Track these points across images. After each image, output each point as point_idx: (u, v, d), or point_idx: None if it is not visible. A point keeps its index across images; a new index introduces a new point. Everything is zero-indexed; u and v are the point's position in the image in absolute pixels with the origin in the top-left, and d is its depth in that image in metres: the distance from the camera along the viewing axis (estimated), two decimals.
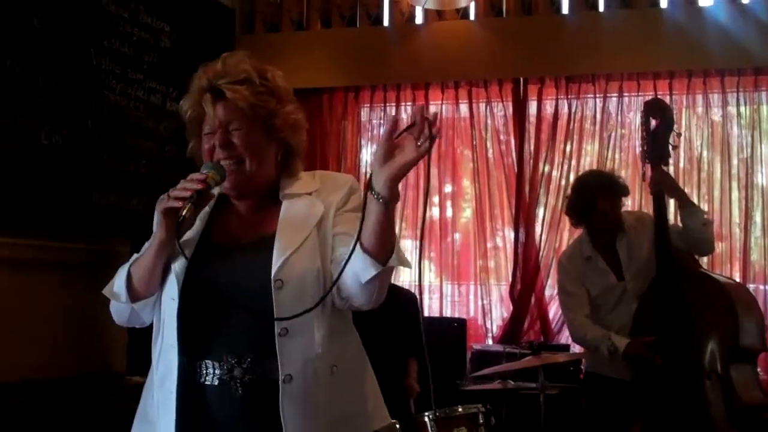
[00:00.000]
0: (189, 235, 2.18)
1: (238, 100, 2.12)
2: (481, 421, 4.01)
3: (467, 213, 6.46)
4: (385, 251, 1.99)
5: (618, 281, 4.31)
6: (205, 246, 2.18)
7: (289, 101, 2.24)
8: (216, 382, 2.08)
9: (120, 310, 2.25)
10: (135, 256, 2.25)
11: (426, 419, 3.95)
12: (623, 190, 4.41)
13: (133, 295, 2.18)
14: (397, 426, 3.88)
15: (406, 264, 2.09)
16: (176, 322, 2.10)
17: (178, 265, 2.13)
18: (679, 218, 4.31)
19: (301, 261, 2.08)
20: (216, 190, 2.18)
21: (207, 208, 2.21)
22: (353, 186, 2.27)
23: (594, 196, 4.34)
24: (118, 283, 2.20)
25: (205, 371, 2.10)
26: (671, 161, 4.54)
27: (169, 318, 2.11)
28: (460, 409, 4.03)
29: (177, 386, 2.09)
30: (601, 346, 4.15)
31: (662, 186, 4.21)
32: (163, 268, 2.16)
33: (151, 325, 2.26)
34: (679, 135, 4.67)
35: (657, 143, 4.28)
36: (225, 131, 2.14)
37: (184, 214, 2.02)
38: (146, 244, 2.21)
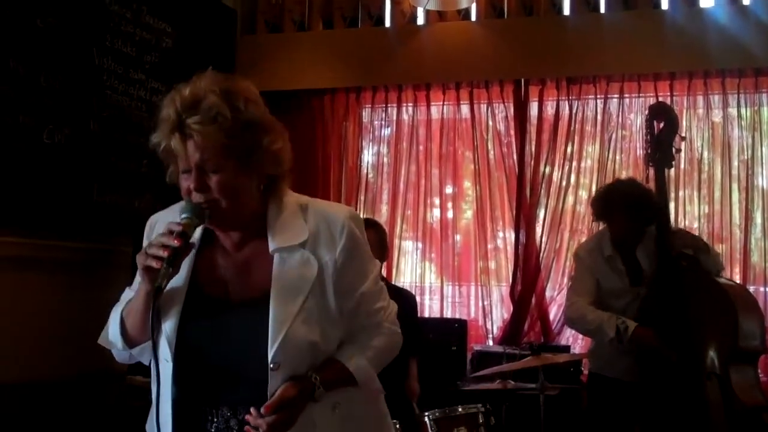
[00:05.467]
0: (177, 281, 2.08)
1: (208, 141, 1.97)
2: (480, 421, 4.04)
3: (468, 214, 6.46)
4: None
5: (631, 286, 4.31)
6: (195, 296, 2.11)
7: (266, 130, 2.06)
8: (213, 430, 2.08)
9: (119, 355, 2.23)
10: (126, 293, 2.22)
11: (426, 419, 3.96)
12: (645, 216, 4.30)
13: (130, 342, 2.15)
14: (397, 426, 3.89)
15: (378, 388, 2.22)
16: (171, 384, 2.07)
17: (168, 326, 2.07)
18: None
19: (297, 337, 2.01)
20: (198, 231, 2.12)
21: (193, 249, 2.10)
22: (350, 232, 2.12)
23: (612, 209, 4.34)
24: (113, 331, 2.16)
25: (203, 420, 2.08)
26: (673, 163, 4.55)
27: (164, 378, 2.06)
28: (460, 409, 4.06)
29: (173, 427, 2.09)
30: (605, 325, 4.11)
31: (681, 249, 4.23)
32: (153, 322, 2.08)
33: None
34: (683, 138, 4.66)
35: (661, 147, 4.29)
36: (200, 172, 2.00)
37: (161, 282, 1.95)
38: (133, 287, 2.17)
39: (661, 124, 4.34)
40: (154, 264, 1.94)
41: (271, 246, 2.09)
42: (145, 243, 2.17)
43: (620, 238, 4.37)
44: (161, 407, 2.08)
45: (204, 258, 2.16)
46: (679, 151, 4.39)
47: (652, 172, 4.34)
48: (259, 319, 2.02)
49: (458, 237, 6.40)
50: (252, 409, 1.97)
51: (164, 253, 1.95)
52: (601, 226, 4.53)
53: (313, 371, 2.04)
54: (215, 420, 2.07)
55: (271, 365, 1.99)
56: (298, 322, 2.02)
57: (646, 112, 4.56)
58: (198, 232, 2.11)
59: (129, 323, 2.12)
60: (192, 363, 2.07)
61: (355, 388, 2.14)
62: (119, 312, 2.16)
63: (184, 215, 2.02)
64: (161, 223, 2.18)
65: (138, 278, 2.10)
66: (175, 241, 1.96)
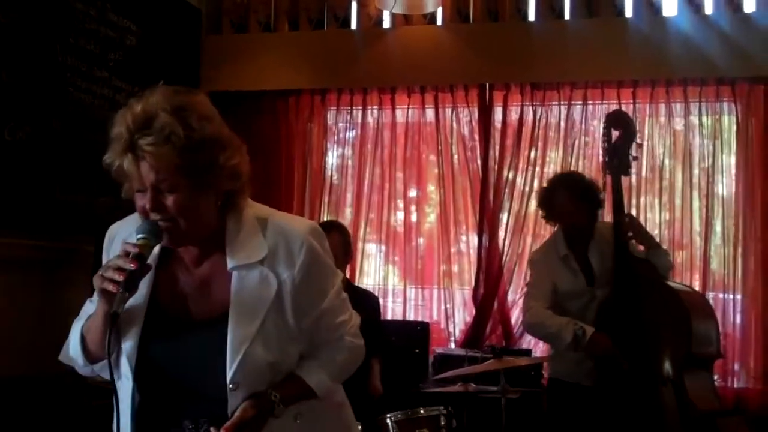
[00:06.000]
0: (137, 300, 2.05)
1: (161, 163, 1.91)
2: (442, 423, 4.04)
3: (431, 218, 6.48)
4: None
5: (587, 286, 4.34)
6: (155, 314, 2.09)
7: (222, 146, 2.01)
8: None
9: (81, 370, 2.20)
10: (87, 306, 2.20)
11: (388, 421, 3.96)
12: (588, 196, 4.41)
13: (91, 358, 2.12)
14: (360, 428, 3.88)
15: (340, 399, 2.27)
16: (130, 401, 2.06)
17: (128, 345, 2.06)
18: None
19: (255, 358, 2.01)
20: (157, 248, 2.08)
21: (152, 265, 2.07)
22: (308, 249, 2.09)
23: (554, 191, 4.42)
24: (74, 347, 2.14)
25: (164, 426, 2.08)
26: (633, 170, 4.59)
27: (124, 395, 2.06)
28: (422, 411, 4.05)
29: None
30: (563, 331, 4.14)
31: (630, 235, 4.27)
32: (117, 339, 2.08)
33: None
34: (640, 146, 4.72)
35: (618, 155, 4.32)
36: (155, 192, 1.95)
37: (117, 309, 1.93)
38: (93, 299, 2.12)
39: (618, 132, 4.37)
40: (111, 288, 1.92)
41: (230, 264, 2.06)
42: (104, 256, 2.18)
43: (572, 230, 4.42)
44: (121, 422, 2.06)
45: (164, 273, 2.13)
46: (636, 158, 4.43)
47: (609, 179, 4.37)
48: (218, 339, 2.01)
49: (421, 240, 6.41)
50: (212, 429, 1.98)
51: (120, 277, 1.92)
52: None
53: (273, 389, 2.04)
54: None
55: (230, 385, 1.99)
56: (256, 343, 2.01)
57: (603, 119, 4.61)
58: (156, 249, 2.08)
59: (89, 340, 2.10)
60: (152, 381, 2.06)
61: (318, 400, 2.15)
62: (79, 328, 2.14)
63: (140, 236, 1.98)
64: (119, 238, 2.16)
65: (90, 304, 2.12)
66: (132, 265, 1.93)
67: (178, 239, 2.03)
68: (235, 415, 1.98)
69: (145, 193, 1.97)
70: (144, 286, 2.05)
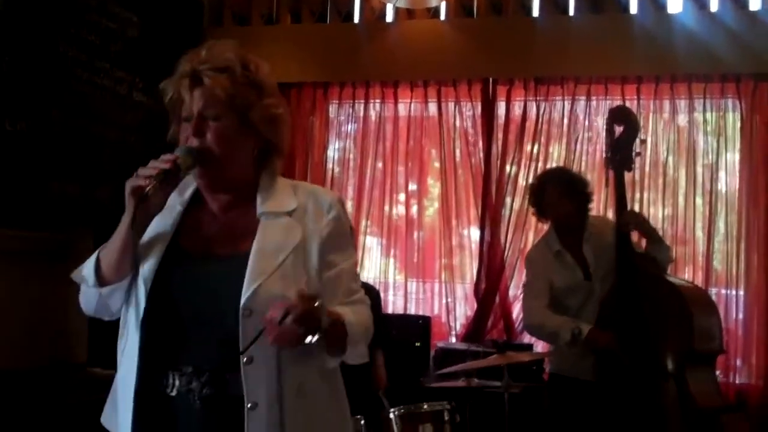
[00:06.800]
0: (159, 230, 2.14)
1: (215, 87, 2.06)
2: (446, 418, 4.02)
3: (432, 212, 6.47)
4: (338, 353, 2.08)
5: (585, 280, 4.33)
6: (174, 250, 2.13)
7: (270, 95, 2.16)
8: (174, 393, 2.06)
9: (88, 297, 2.19)
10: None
11: (391, 415, 3.93)
12: (577, 189, 4.42)
13: (101, 280, 2.13)
14: (362, 422, 3.87)
15: (363, 359, 2.16)
16: (140, 329, 2.07)
17: (146, 269, 2.09)
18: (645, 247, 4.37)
19: (272, 289, 2.02)
20: (191, 189, 2.18)
21: (179, 207, 2.18)
22: (338, 213, 2.19)
23: (544, 186, 4.45)
24: (87, 267, 2.16)
25: (164, 381, 2.07)
26: (636, 166, 4.57)
27: (133, 323, 2.08)
28: (425, 406, 4.03)
29: (135, 392, 2.06)
30: (561, 331, 4.14)
31: (632, 227, 4.26)
32: (133, 263, 2.11)
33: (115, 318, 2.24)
34: (643, 141, 4.70)
35: (621, 150, 4.31)
36: (200, 119, 2.08)
37: (147, 190, 1.99)
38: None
39: (621, 128, 4.35)
40: (143, 182, 2.00)
41: (259, 210, 2.14)
42: None
43: (562, 224, 4.42)
44: (124, 363, 2.10)
45: (189, 219, 2.19)
46: (639, 154, 4.40)
47: (612, 175, 4.35)
48: (236, 270, 2.03)
49: (422, 234, 6.40)
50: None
51: (154, 172, 2.01)
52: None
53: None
54: (176, 382, 2.06)
55: (244, 311, 2.00)
56: (275, 276, 2.04)
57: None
58: (188, 193, 2.20)
59: (105, 260, 2.13)
60: (164, 310, 2.07)
61: (320, 371, 2.13)
62: (98, 252, 2.17)
63: (177, 152, 2.07)
64: None
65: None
66: (167, 165, 2.01)
67: (211, 168, 2.10)
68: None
69: (190, 122, 2.09)
70: (168, 224, 2.15)
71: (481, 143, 6.21)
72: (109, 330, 2.24)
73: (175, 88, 2.11)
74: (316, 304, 1.91)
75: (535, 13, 6.18)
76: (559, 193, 4.38)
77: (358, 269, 6.00)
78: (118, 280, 2.13)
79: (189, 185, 2.22)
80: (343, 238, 2.20)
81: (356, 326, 2.08)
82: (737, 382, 5.61)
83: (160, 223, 2.16)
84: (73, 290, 2.25)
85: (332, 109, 6.58)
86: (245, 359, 2.00)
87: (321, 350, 2.03)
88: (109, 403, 2.22)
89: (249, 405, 2.01)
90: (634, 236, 4.35)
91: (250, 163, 2.17)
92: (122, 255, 2.09)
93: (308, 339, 1.92)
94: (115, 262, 2.11)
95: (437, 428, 3.99)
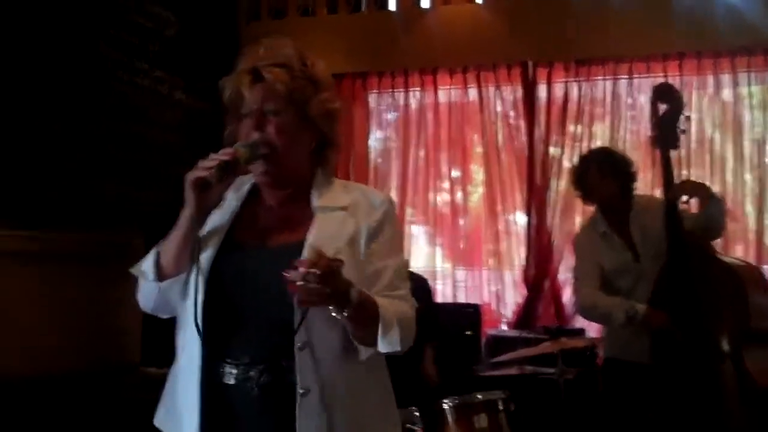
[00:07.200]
0: (217, 224, 2.17)
1: (275, 82, 2.10)
2: (500, 407, 3.98)
3: (476, 198, 6.44)
4: (370, 339, 2.05)
5: (634, 261, 4.29)
6: (230, 243, 2.16)
7: (326, 89, 2.21)
8: (233, 381, 2.08)
9: (147, 292, 2.21)
10: None
11: (445, 406, 3.91)
12: (617, 167, 4.37)
13: (161, 274, 2.16)
14: (417, 414, 3.86)
15: (394, 347, 2.06)
16: (201, 319, 2.08)
17: (203, 261, 2.12)
18: (694, 203, 4.29)
19: None
20: (247, 185, 2.23)
21: (236, 202, 2.21)
22: (388, 210, 2.23)
23: (586, 169, 4.40)
24: (147, 261, 2.18)
25: (222, 370, 2.09)
26: (682, 144, 4.51)
27: (192, 315, 2.09)
28: (479, 396, 4.00)
29: (200, 380, 2.09)
30: (616, 311, 4.10)
31: (681, 195, 4.20)
32: (192, 256, 2.13)
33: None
34: (688, 119, 4.62)
35: (666, 128, 4.24)
36: (260, 114, 2.13)
37: (208, 178, 2.03)
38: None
39: (666, 106, 4.29)
40: (204, 173, 2.04)
41: (314, 203, 2.19)
42: None
43: (607, 205, 4.37)
44: (185, 356, 2.14)
45: (246, 212, 2.23)
46: (684, 131, 4.33)
47: (659, 154, 4.30)
48: (292, 257, 1.99)
49: (468, 221, 6.38)
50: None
51: (214, 163, 2.04)
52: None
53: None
54: (234, 371, 2.08)
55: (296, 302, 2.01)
56: None
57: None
58: (245, 188, 2.25)
59: (164, 254, 2.16)
60: (220, 300, 2.10)
61: (369, 366, 2.13)
62: (157, 246, 2.20)
63: (237, 146, 2.11)
64: None
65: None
66: (227, 156, 2.05)
67: (272, 165, 2.14)
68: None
69: (252, 118, 2.14)
70: (225, 218, 2.19)
71: (523, 127, 6.18)
72: (163, 330, 2.26)
73: (234, 85, 2.15)
74: (337, 265, 1.91)
75: None
76: (601, 174, 4.33)
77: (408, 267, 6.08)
78: (176, 274, 2.15)
79: (246, 182, 2.26)
80: (390, 233, 2.22)
81: (390, 312, 2.06)
82: None
83: (217, 218, 2.19)
84: (126, 291, 2.27)
85: (372, 98, 6.59)
86: (299, 344, 2.02)
87: (352, 329, 2.03)
88: (164, 403, 2.24)
89: (301, 391, 2.03)
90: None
91: (307, 157, 2.22)
92: (182, 248, 2.12)
93: (337, 309, 1.94)
94: (174, 255, 2.14)
95: (492, 418, 3.95)
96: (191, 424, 2.09)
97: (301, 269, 1.85)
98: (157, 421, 2.25)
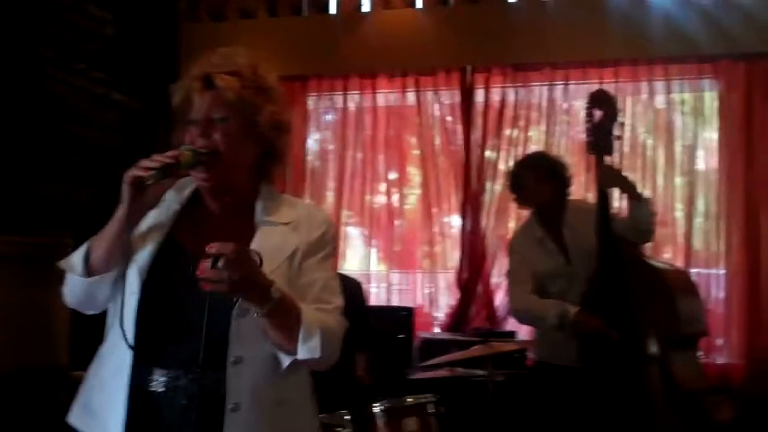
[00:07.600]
0: (154, 223, 2.16)
1: (225, 90, 2.10)
2: (431, 410, 4.00)
3: (412, 200, 6.47)
4: (290, 344, 2.04)
5: (566, 265, 4.34)
6: (170, 245, 2.16)
7: (276, 101, 2.20)
8: (161, 389, 2.07)
9: (74, 287, 2.19)
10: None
11: (376, 410, 3.92)
12: (553, 172, 4.40)
13: (90, 270, 2.14)
14: (347, 417, 3.86)
15: (314, 353, 2.05)
16: (134, 317, 2.07)
17: (141, 260, 2.11)
18: (625, 208, 4.34)
19: None
20: (189, 189, 2.22)
21: (177, 204, 2.20)
22: (327, 230, 2.27)
23: (520, 171, 4.44)
24: (77, 255, 2.16)
25: (151, 377, 2.08)
26: (615, 149, 4.57)
27: (127, 312, 2.07)
28: (409, 400, 4.02)
29: (128, 385, 2.07)
30: (548, 314, 4.13)
31: (611, 184, 4.24)
32: (124, 254, 2.12)
33: (96, 317, 2.23)
34: (622, 125, 4.69)
35: (601, 134, 4.29)
36: (208, 121, 2.12)
37: (146, 180, 2.01)
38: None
39: (601, 112, 4.34)
40: (142, 172, 2.02)
41: (258, 217, 2.20)
42: None
43: (543, 210, 4.41)
44: (113, 358, 2.10)
45: (187, 219, 2.22)
46: (619, 138, 4.39)
47: (593, 159, 4.35)
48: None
49: (403, 223, 6.41)
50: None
51: (156, 164, 2.03)
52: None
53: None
54: (163, 378, 2.07)
55: (238, 310, 2.03)
56: None
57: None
58: (186, 192, 2.24)
59: (95, 250, 2.13)
60: (156, 302, 2.09)
61: (299, 387, 2.18)
62: (88, 242, 2.18)
63: (183, 148, 2.10)
64: None
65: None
66: (169, 159, 2.04)
67: (215, 171, 2.13)
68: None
69: (198, 126, 2.13)
70: (164, 218, 2.19)
71: (460, 130, 6.21)
72: (92, 333, 2.24)
73: (184, 91, 2.15)
74: (252, 256, 1.95)
75: None
76: (537, 179, 4.37)
77: (339, 261, 6.06)
78: (106, 271, 2.13)
79: (187, 185, 2.25)
80: (325, 252, 2.23)
81: (313, 319, 2.06)
82: (719, 362, 5.64)
83: (155, 217, 2.18)
84: (55, 293, 2.24)
85: (311, 101, 6.58)
86: (232, 359, 2.02)
87: (273, 332, 2.03)
88: (83, 402, 2.21)
89: (231, 406, 2.03)
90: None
91: (252, 167, 2.22)
92: (113, 245, 2.10)
93: (256, 305, 1.95)
94: (105, 251, 2.11)
95: (422, 421, 3.97)
96: (115, 428, 2.07)
97: (209, 250, 1.87)
98: (74, 419, 2.22)
